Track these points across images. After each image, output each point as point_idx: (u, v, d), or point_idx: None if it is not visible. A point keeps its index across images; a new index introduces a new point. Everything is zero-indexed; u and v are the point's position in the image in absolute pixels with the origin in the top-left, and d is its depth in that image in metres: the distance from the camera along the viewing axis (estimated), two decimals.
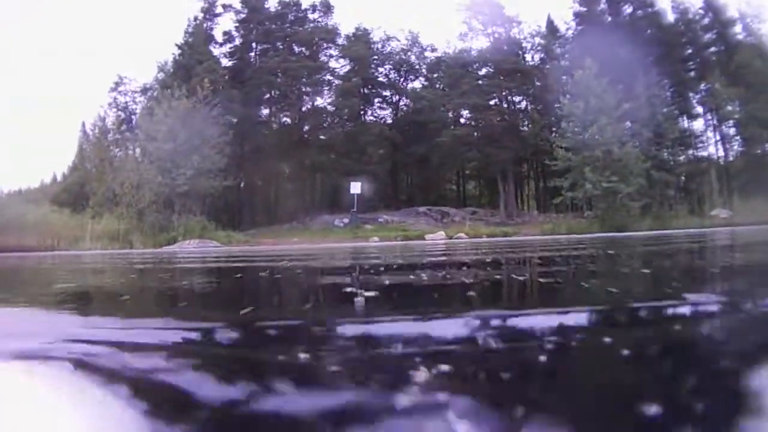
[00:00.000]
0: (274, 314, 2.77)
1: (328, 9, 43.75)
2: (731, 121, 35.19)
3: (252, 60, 42.98)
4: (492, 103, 40.56)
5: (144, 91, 40.78)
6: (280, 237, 30.59)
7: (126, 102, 41.59)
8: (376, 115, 46.47)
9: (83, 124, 40.77)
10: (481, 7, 41.25)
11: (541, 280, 4.14)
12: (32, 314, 2.93)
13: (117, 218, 28.61)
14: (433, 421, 0.91)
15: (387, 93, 46.35)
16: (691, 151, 36.02)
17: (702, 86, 37.01)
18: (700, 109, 37.67)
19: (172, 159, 29.39)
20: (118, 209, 29.34)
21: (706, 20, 37.58)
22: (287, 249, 16.63)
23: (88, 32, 53.47)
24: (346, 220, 33.74)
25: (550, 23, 42.84)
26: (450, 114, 42.61)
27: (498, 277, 4.46)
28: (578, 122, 30.06)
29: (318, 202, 40.69)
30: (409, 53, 45.77)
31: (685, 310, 2.09)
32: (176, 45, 39.94)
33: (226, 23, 43.23)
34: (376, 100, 46.14)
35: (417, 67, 46.11)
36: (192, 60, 37.79)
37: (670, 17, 38.96)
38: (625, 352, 1.37)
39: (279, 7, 43.38)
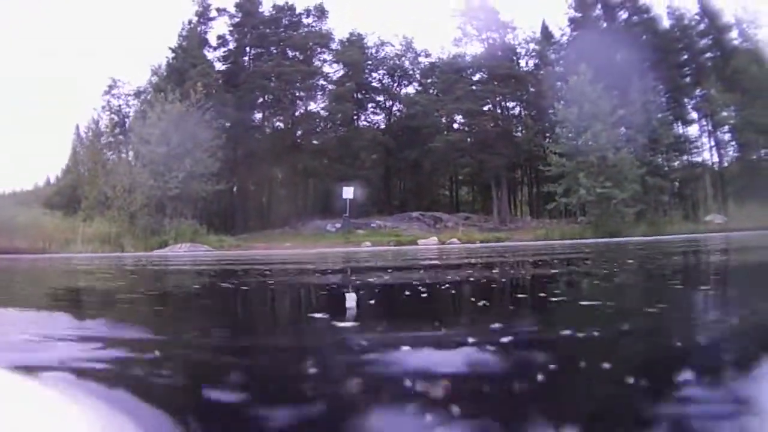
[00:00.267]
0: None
1: (322, 14, 43.70)
2: (726, 127, 35.17)
3: (246, 64, 42.86)
4: (486, 108, 40.48)
5: (137, 94, 40.63)
6: (272, 241, 30.48)
7: (119, 105, 41.46)
8: (369, 120, 46.43)
9: (77, 127, 40.58)
10: (476, 12, 41.26)
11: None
12: None
13: (108, 221, 28.48)
14: None
15: (380, 98, 46.26)
16: (685, 157, 35.94)
17: (697, 92, 36.93)
18: (695, 115, 37.64)
19: (165, 162, 29.27)
20: (110, 212, 29.23)
21: (702, 26, 37.51)
22: (276, 254, 16.55)
23: (84, 34, 53.04)
24: (338, 225, 33.59)
25: (545, 29, 42.74)
26: (443, 119, 42.46)
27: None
28: (572, 128, 29.95)
29: (311, 206, 40.54)
30: (403, 58, 45.68)
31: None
32: (170, 48, 39.77)
33: (220, 27, 43.16)
34: (369, 105, 46.03)
35: (411, 72, 46.00)
36: (186, 63, 37.66)
37: (666, 23, 38.94)
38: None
39: (273, 12, 43.33)
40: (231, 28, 42.95)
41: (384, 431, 0.97)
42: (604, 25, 39.45)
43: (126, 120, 39.23)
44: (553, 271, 5.89)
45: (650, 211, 30.49)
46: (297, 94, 42.63)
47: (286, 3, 43.29)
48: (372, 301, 3.56)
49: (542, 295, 3.68)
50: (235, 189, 40.77)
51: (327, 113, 42.45)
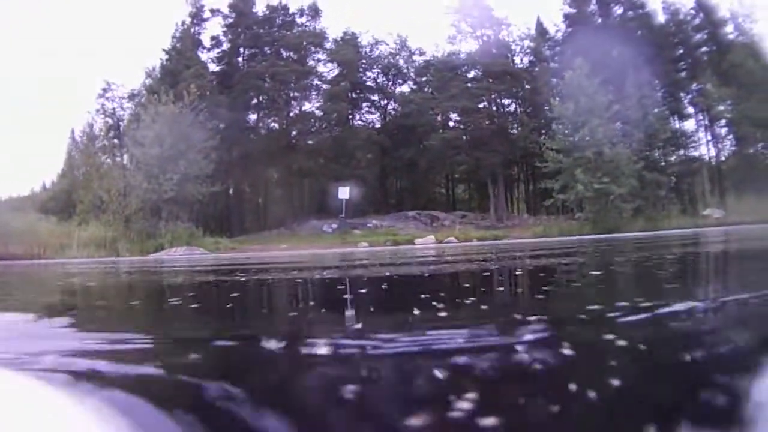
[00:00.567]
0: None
1: (316, 13, 43.55)
2: (723, 121, 35.15)
3: (240, 65, 42.68)
4: (481, 106, 40.30)
5: (131, 97, 40.39)
6: (269, 243, 30.37)
7: (114, 108, 41.21)
8: (364, 119, 46.35)
9: (72, 131, 40.47)
10: (470, 9, 41.10)
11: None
12: None
13: (104, 225, 28.41)
14: None
15: (375, 97, 46.18)
16: (682, 152, 35.87)
17: (693, 86, 36.87)
18: (691, 110, 37.56)
19: (159, 165, 29.15)
20: (105, 216, 29.16)
21: (697, 20, 37.45)
22: (270, 256, 16.45)
23: (82, 35, 53.00)
24: (334, 226, 33.49)
25: (540, 25, 42.69)
26: (439, 117, 42.41)
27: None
28: (569, 123, 29.89)
29: (307, 207, 40.34)
30: (397, 57, 45.61)
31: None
32: (164, 50, 39.69)
33: (214, 28, 42.95)
34: (364, 104, 45.97)
35: (405, 70, 45.93)
36: (179, 65, 37.56)
37: (661, 18, 38.84)
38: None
39: (267, 12, 43.15)
40: (225, 29, 42.77)
41: None
42: (599, 20, 39.35)
43: (120, 123, 38.99)
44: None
45: (648, 206, 30.41)
46: (291, 94, 42.48)
47: (280, 3, 43.18)
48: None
49: None
50: (230, 191, 40.70)
51: (322, 113, 42.28)
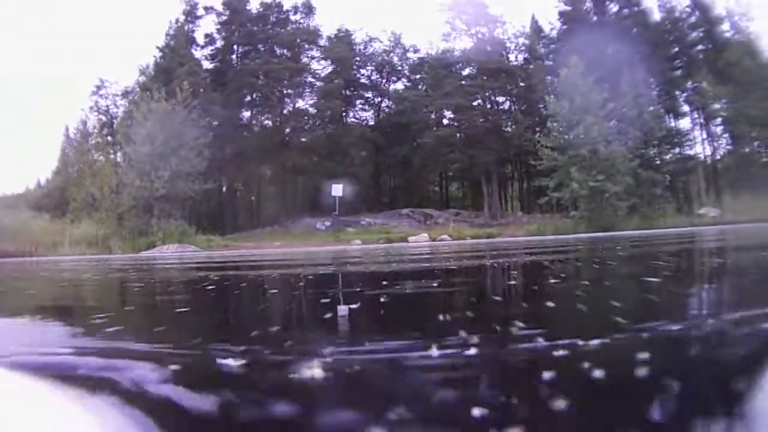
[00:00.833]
0: None
1: (309, 10, 43.46)
2: (718, 120, 35.14)
3: (233, 62, 42.57)
4: (475, 103, 40.27)
5: (125, 94, 40.22)
6: (262, 240, 30.33)
7: (107, 105, 41.04)
8: (358, 116, 46.37)
9: (66, 128, 40.26)
10: (465, 6, 41.04)
11: None
12: None
13: (96, 223, 28.33)
14: None
15: (369, 94, 46.17)
16: (677, 150, 35.85)
17: (688, 84, 36.83)
18: (686, 108, 37.57)
19: (151, 162, 29.05)
20: (98, 214, 29.10)
21: (693, 18, 37.45)
22: (261, 254, 16.37)
23: (81, 34, 53.00)
24: (328, 223, 33.44)
25: (535, 23, 42.66)
26: (433, 115, 42.37)
27: None
28: (564, 121, 29.86)
29: (300, 205, 40.20)
30: (391, 54, 45.60)
31: None
32: (157, 48, 39.53)
33: (207, 25, 42.85)
34: (358, 101, 45.97)
35: (399, 68, 45.94)
36: (173, 63, 37.42)
37: (657, 16, 38.85)
38: None
39: (261, 9, 43.03)
40: (218, 27, 42.68)
41: None
42: (595, 18, 39.34)
43: (114, 121, 38.86)
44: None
45: (643, 204, 30.39)
46: (285, 91, 42.36)
47: (274, 0, 43.06)
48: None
49: None
50: (224, 188, 40.68)
51: (315, 110, 42.20)
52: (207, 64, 41.81)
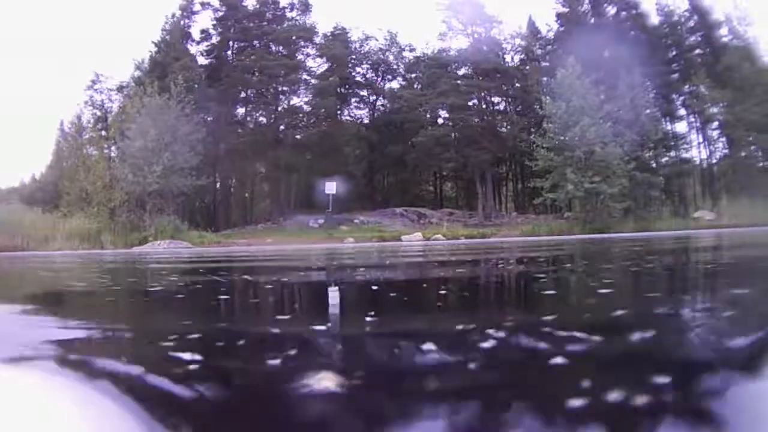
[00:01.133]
0: None
1: (306, 8, 43.25)
2: (715, 124, 35.16)
3: (229, 58, 42.36)
4: (471, 103, 40.23)
5: (120, 89, 40.05)
6: (255, 237, 30.33)
7: (102, 100, 40.86)
8: (352, 114, 46.46)
9: (61, 122, 40.15)
10: (461, 6, 40.93)
11: None
12: None
13: (89, 218, 28.30)
14: None
15: (364, 93, 46.19)
16: (674, 153, 35.85)
17: (686, 88, 36.79)
18: (683, 111, 37.55)
19: (143, 156, 28.99)
20: (90, 208, 29.05)
21: (692, 23, 37.42)
22: (251, 251, 16.35)
23: (72, 31, 53.01)
24: (321, 221, 33.46)
25: (531, 24, 42.67)
26: (428, 114, 42.35)
27: None
28: (560, 122, 29.85)
29: (293, 202, 40.09)
30: (387, 53, 45.62)
31: None
32: (153, 42, 39.37)
33: (203, 21, 42.63)
34: (353, 99, 46.02)
35: (395, 66, 46.00)
36: (168, 57, 37.25)
37: (655, 19, 38.74)
38: None
39: (257, 6, 42.80)
40: (214, 22, 42.43)
41: None
42: (592, 20, 39.26)
43: (108, 115, 38.75)
44: None
45: (639, 207, 30.43)
46: (280, 88, 42.11)
47: None
48: None
49: None
50: (217, 184, 40.61)
51: (310, 108, 42.00)
52: (202, 60, 41.63)
